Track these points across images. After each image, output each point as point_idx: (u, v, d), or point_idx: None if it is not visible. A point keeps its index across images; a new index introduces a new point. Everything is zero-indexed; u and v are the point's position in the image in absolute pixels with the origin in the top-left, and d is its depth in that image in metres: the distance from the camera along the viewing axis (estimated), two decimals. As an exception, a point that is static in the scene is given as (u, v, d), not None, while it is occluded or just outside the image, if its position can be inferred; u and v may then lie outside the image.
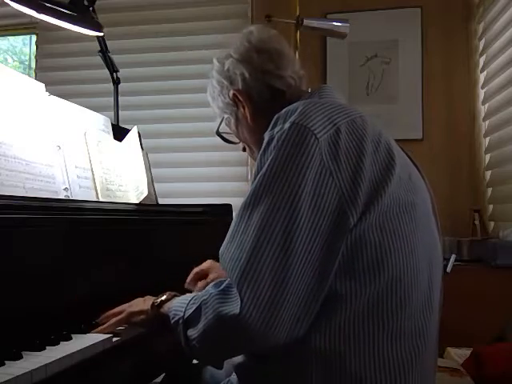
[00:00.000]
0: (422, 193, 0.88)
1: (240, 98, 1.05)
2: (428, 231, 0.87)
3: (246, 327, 0.72)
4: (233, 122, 1.11)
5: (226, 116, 1.11)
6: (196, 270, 1.22)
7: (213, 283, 0.84)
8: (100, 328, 0.95)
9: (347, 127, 0.80)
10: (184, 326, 0.85)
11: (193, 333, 0.82)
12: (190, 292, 1.21)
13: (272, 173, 0.77)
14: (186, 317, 0.85)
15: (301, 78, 1.06)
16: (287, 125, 0.80)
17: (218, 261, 1.24)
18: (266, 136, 0.83)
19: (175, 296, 0.96)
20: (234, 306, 0.74)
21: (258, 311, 0.72)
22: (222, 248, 0.82)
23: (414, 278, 0.79)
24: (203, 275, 1.21)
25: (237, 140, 1.16)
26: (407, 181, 0.84)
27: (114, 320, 0.98)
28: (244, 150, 1.18)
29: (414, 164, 0.93)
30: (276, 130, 0.81)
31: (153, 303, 0.97)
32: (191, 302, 0.86)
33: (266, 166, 0.79)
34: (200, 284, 1.19)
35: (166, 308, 0.94)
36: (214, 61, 1.11)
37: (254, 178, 0.81)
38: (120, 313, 0.99)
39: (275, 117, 0.85)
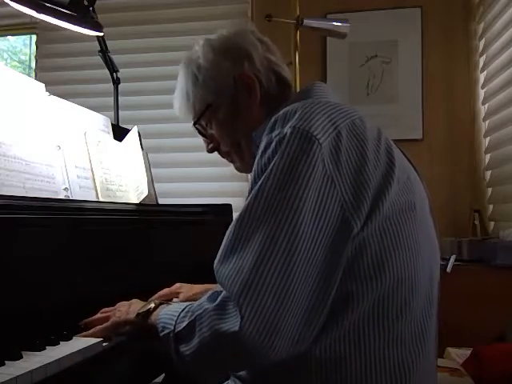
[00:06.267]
0: (420, 194, 0.87)
1: (247, 80, 0.96)
2: (427, 233, 0.86)
3: (246, 344, 0.69)
4: (225, 110, 0.99)
5: (216, 103, 0.99)
6: (165, 290, 1.19)
7: (207, 295, 0.79)
8: (84, 333, 0.91)
9: (347, 130, 0.77)
10: (175, 341, 0.80)
11: (185, 349, 0.78)
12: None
13: (273, 184, 0.73)
14: (176, 331, 0.80)
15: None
16: (287, 129, 0.76)
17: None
18: (264, 139, 0.79)
19: (161, 304, 0.92)
20: (232, 323, 0.70)
21: (260, 327, 0.68)
22: (216, 263, 0.77)
23: (415, 281, 0.78)
24: (172, 296, 1.19)
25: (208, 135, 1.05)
26: (406, 182, 0.82)
27: (98, 328, 0.93)
28: (211, 151, 1.08)
29: (411, 164, 0.92)
30: (274, 133, 0.78)
31: (138, 313, 0.92)
32: (182, 316, 0.81)
33: (265, 175, 0.75)
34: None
35: (153, 319, 0.88)
36: (201, 41, 1.01)
37: (254, 183, 0.77)
38: (105, 319, 0.95)
39: (273, 119, 0.81)
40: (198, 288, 1.23)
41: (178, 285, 1.22)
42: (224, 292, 0.75)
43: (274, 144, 0.76)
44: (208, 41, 1.01)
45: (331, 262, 0.73)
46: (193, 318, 0.77)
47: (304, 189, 0.72)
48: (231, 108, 0.99)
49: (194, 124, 1.06)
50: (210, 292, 0.80)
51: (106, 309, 0.99)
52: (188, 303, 0.84)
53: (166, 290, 1.19)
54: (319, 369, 0.75)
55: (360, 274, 0.74)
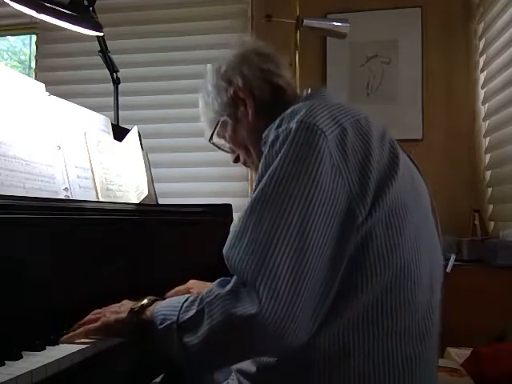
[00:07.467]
0: (423, 195, 0.89)
1: (241, 95, 1.05)
2: (429, 232, 0.88)
3: (264, 327, 0.69)
4: (230, 123, 1.09)
5: (222, 119, 1.10)
6: (180, 287, 1.19)
7: (215, 282, 0.79)
8: (70, 335, 0.87)
9: (352, 127, 0.80)
10: (178, 332, 0.79)
11: (191, 338, 0.77)
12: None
13: (283, 171, 0.76)
14: (180, 321, 0.79)
15: (294, 86, 1.09)
16: (293, 124, 0.79)
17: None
18: (271, 135, 0.82)
19: (156, 300, 0.90)
20: (248, 306, 0.70)
21: (278, 309, 0.69)
22: (227, 248, 0.78)
23: (417, 276, 0.80)
24: (186, 293, 1.18)
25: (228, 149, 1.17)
26: (410, 182, 0.84)
27: (88, 327, 0.89)
28: (236, 161, 1.18)
29: (415, 165, 0.94)
30: (281, 129, 0.81)
31: (131, 309, 0.89)
32: (186, 305, 0.80)
33: (275, 163, 0.77)
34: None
35: (148, 313, 0.87)
36: (208, 67, 1.12)
37: (262, 176, 0.79)
38: (94, 320, 0.92)
39: (280, 117, 0.84)
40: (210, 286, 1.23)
41: (191, 282, 1.23)
42: (235, 277, 0.75)
43: (281, 138, 0.79)
44: (214, 66, 1.12)
45: (339, 247, 0.75)
46: (202, 305, 0.77)
47: (314, 178, 0.74)
48: (234, 121, 1.09)
49: (209, 140, 1.17)
50: (218, 280, 0.80)
51: (97, 310, 0.96)
52: (189, 295, 0.84)
53: (180, 287, 1.20)
54: (323, 361, 0.75)
55: (366, 263, 0.76)
